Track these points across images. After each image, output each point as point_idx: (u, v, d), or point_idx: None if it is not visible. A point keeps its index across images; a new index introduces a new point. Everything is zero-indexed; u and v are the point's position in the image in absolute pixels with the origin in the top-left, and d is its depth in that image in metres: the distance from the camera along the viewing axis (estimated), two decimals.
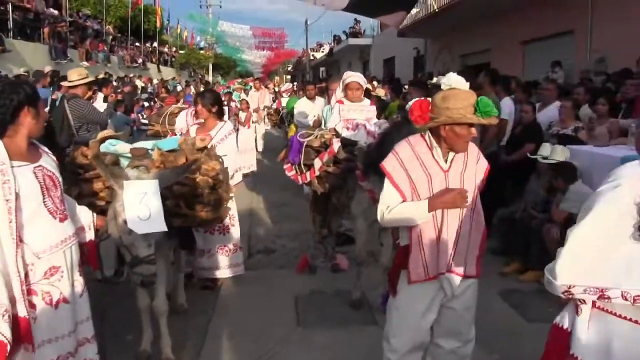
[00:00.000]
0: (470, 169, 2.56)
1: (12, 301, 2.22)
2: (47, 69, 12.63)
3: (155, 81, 23.89)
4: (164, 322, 3.49)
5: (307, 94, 7.88)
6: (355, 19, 27.60)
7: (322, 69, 38.45)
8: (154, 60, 33.34)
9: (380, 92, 10.40)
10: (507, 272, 5.02)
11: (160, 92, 16.30)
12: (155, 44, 34.67)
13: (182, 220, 3.25)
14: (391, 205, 2.52)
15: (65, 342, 2.46)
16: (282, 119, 11.37)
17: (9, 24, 16.11)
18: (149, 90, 20.30)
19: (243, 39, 42.28)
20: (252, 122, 10.92)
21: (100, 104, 7.98)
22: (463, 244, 2.55)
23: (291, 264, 5.33)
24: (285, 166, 4.82)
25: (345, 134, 4.50)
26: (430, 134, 2.52)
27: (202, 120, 4.52)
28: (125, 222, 2.65)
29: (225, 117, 9.38)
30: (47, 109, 6.08)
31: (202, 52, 40.87)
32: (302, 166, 4.54)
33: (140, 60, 29.50)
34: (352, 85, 4.65)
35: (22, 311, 2.24)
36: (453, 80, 2.45)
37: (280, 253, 5.83)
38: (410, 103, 3.08)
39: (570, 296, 1.83)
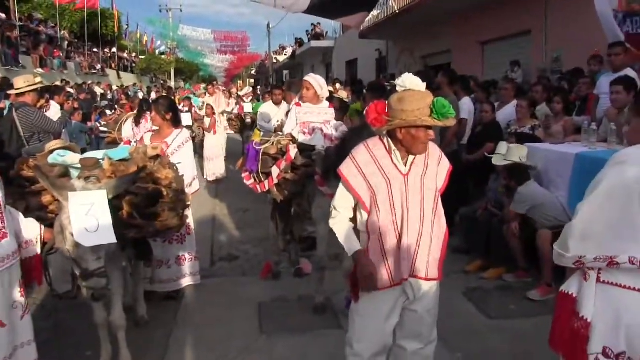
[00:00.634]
0: (432, 171, 2.51)
1: None
2: None
3: (114, 87, 23.38)
4: (123, 336, 3.40)
5: (274, 99, 7.59)
6: (312, 23, 27.65)
7: (285, 72, 38.46)
8: (113, 66, 32.64)
9: (343, 94, 10.38)
10: (469, 270, 5.06)
11: (121, 98, 15.87)
12: (114, 50, 33.92)
13: (136, 231, 3.14)
14: (339, 209, 2.55)
15: None
16: (244, 124, 11.02)
17: None
18: (108, 97, 19.84)
19: (205, 43, 41.94)
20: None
21: (55, 113, 7.70)
22: (425, 247, 2.51)
23: (255, 271, 5.27)
24: (243, 175, 4.74)
25: (301, 139, 4.42)
26: (388, 137, 2.47)
27: (157, 128, 4.40)
28: (72, 234, 2.54)
29: (189, 122, 9.16)
30: None
31: (163, 57, 40.31)
32: (260, 174, 4.47)
33: (98, 67, 28.84)
34: (303, 84, 4.61)
35: None
36: (408, 82, 2.38)
37: (243, 259, 5.76)
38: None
39: (581, 265, 1.99)
